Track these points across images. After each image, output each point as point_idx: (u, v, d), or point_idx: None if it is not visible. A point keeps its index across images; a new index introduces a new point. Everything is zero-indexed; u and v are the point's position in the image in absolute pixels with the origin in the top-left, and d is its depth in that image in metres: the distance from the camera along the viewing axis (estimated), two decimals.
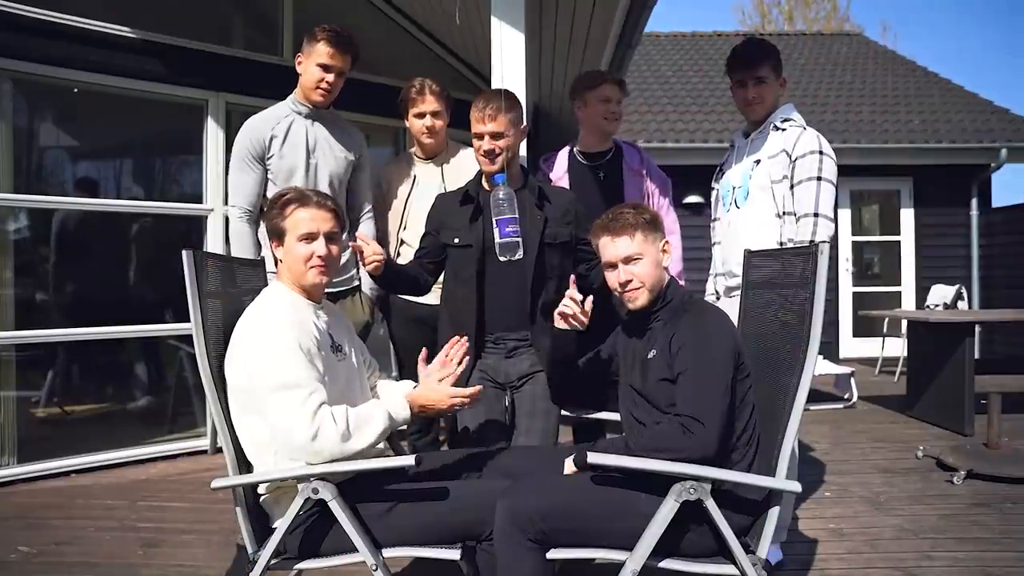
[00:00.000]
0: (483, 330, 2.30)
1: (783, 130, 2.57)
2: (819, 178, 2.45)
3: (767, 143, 2.59)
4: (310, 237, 1.85)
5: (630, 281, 1.90)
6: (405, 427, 2.38)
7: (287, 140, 2.71)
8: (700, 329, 1.77)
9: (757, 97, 2.63)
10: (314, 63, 2.67)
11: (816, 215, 2.43)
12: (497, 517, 1.71)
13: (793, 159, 2.50)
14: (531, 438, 2.26)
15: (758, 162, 2.58)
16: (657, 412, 1.84)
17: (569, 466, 1.88)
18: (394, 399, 1.90)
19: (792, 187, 2.49)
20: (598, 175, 2.88)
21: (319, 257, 1.85)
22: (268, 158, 2.70)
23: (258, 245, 2.73)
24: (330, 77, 2.68)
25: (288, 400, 1.67)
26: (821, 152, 2.48)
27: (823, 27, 20.37)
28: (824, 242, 1.84)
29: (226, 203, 2.76)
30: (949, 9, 40.92)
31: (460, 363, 1.96)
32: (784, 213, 2.51)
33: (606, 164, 2.94)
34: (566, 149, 3.07)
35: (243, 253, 2.69)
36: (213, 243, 4.24)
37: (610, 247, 1.92)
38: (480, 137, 2.29)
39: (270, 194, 2.68)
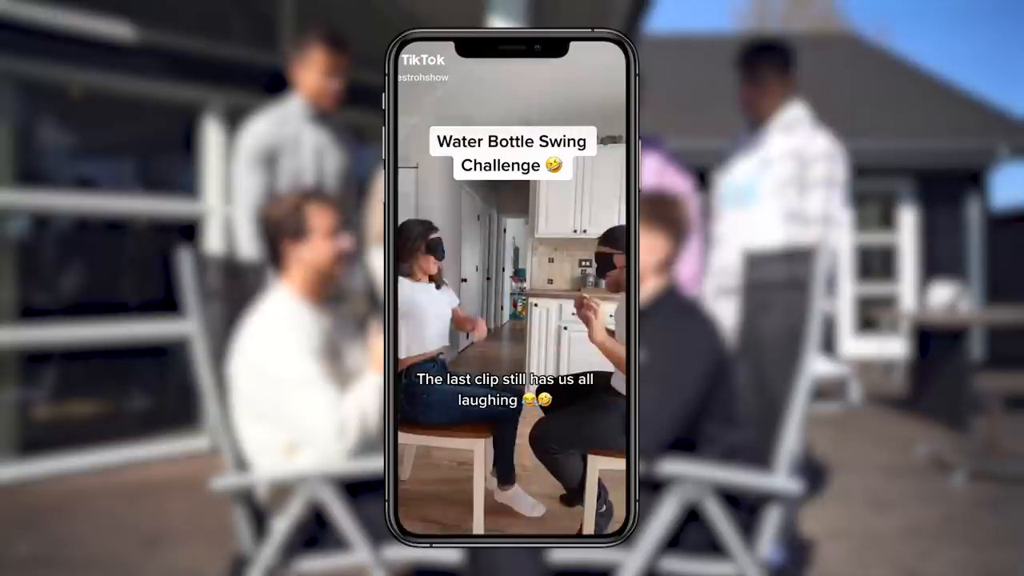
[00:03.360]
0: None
1: (793, 131, 2.56)
2: (831, 182, 2.45)
3: (776, 143, 2.56)
4: (334, 232, 1.88)
5: None
6: None
7: (296, 143, 2.67)
8: (677, 335, 1.75)
9: (750, 101, 2.62)
10: (316, 72, 2.60)
11: (827, 220, 2.43)
12: None
13: (804, 162, 2.48)
14: None
15: (767, 162, 2.56)
16: None
17: None
18: (361, 377, 1.88)
19: (802, 190, 2.48)
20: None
21: (343, 250, 1.90)
22: (277, 160, 2.66)
23: None
24: (337, 83, 2.64)
25: (309, 398, 1.68)
26: (833, 156, 2.48)
27: (822, 27, 20.38)
28: (826, 244, 1.83)
29: (227, 203, 2.68)
30: (949, 9, 40.93)
31: None
32: (793, 216, 2.50)
33: None
34: None
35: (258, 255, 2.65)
36: (213, 243, 4.24)
37: None
38: None
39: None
